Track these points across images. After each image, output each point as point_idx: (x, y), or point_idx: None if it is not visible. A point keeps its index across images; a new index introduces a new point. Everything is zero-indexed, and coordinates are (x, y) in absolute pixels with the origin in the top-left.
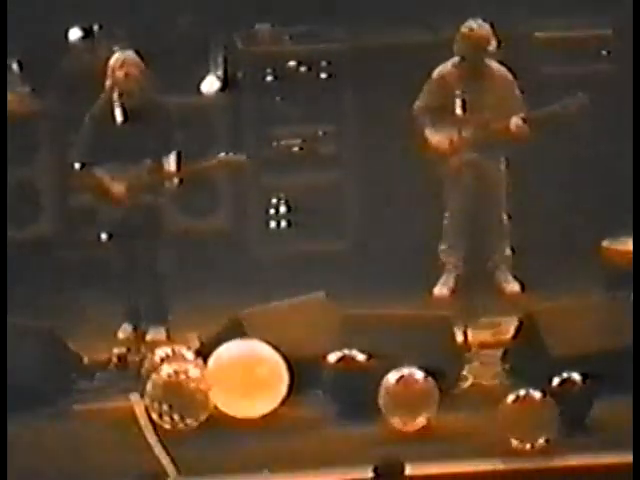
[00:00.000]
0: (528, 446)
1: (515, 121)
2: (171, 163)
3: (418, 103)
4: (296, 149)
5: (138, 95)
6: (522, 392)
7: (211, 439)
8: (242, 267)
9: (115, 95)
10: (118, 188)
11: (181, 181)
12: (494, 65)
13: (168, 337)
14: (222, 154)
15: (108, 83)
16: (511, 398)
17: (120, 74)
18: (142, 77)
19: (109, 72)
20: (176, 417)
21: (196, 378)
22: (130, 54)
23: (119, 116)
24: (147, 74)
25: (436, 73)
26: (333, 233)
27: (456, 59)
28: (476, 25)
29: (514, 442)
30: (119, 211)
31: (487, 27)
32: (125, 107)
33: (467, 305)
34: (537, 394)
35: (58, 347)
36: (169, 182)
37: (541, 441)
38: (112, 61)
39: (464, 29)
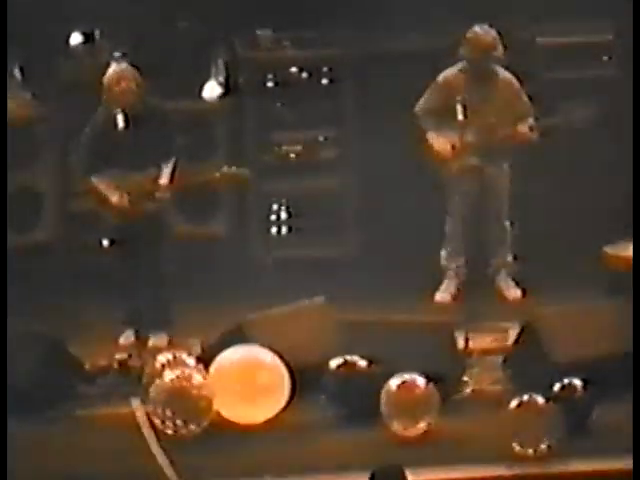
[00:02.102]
0: (531, 451)
1: (525, 125)
2: (165, 176)
3: (421, 105)
4: (297, 155)
5: (137, 107)
6: (525, 397)
7: (213, 445)
8: (243, 273)
9: (114, 107)
10: (118, 198)
11: (182, 188)
12: (500, 70)
13: (170, 343)
14: (225, 168)
15: (105, 97)
16: (514, 403)
17: (117, 89)
18: (139, 89)
19: (105, 87)
20: (178, 423)
21: (198, 384)
22: (125, 67)
23: (120, 123)
24: (144, 85)
25: (442, 76)
26: (334, 239)
27: (462, 64)
28: (482, 30)
29: (516, 447)
30: (121, 217)
31: (493, 32)
32: (125, 117)
33: (468, 311)
34: (540, 399)
35: (59, 352)
36: (164, 194)
37: (543, 446)
38: (108, 76)
39: (470, 34)
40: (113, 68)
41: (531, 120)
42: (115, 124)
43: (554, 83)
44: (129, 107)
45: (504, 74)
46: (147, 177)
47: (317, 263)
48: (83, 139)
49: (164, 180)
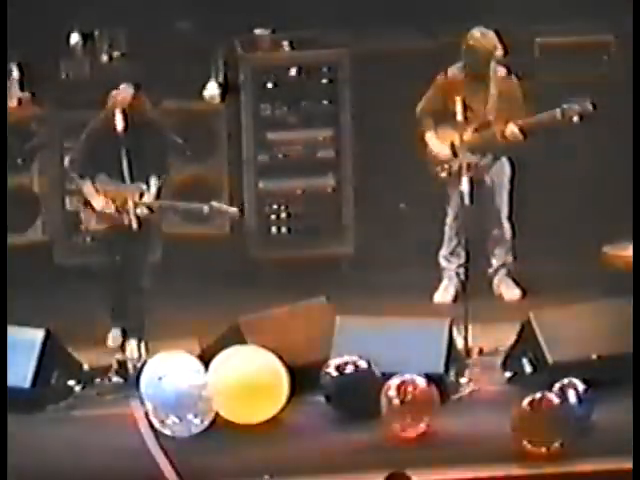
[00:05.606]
0: (544, 450)
1: (510, 128)
2: (151, 193)
3: (421, 105)
4: (296, 154)
5: (135, 119)
6: (535, 397)
7: (212, 445)
8: (242, 273)
9: (115, 117)
10: (103, 204)
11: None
12: (499, 69)
13: (169, 343)
14: (214, 202)
15: (109, 105)
16: (525, 403)
17: (119, 110)
18: (141, 109)
19: (109, 103)
20: (177, 423)
21: (197, 384)
22: (128, 89)
23: (120, 124)
24: (146, 104)
25: (441, 76)
26: (333, 239)
27: (462, 63)
28: (482, 36)
29: (528, 446)
30: (119, 216)
31: (492, 35)
32: (124, 119)
33: (468, 311)
34: (549, 399)
35: (58, 352)
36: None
37: (556, 445)
38: (111, 96)
39: (470, 41)
40: (115, 92)
41: (519, 122)
42: (110, 139)
43: (553, 83)
44: (128, 118)
45: (503, 72)
46: (134, 191)
47: (316, 263)
48: (78, 143)
49: (149, 198)
